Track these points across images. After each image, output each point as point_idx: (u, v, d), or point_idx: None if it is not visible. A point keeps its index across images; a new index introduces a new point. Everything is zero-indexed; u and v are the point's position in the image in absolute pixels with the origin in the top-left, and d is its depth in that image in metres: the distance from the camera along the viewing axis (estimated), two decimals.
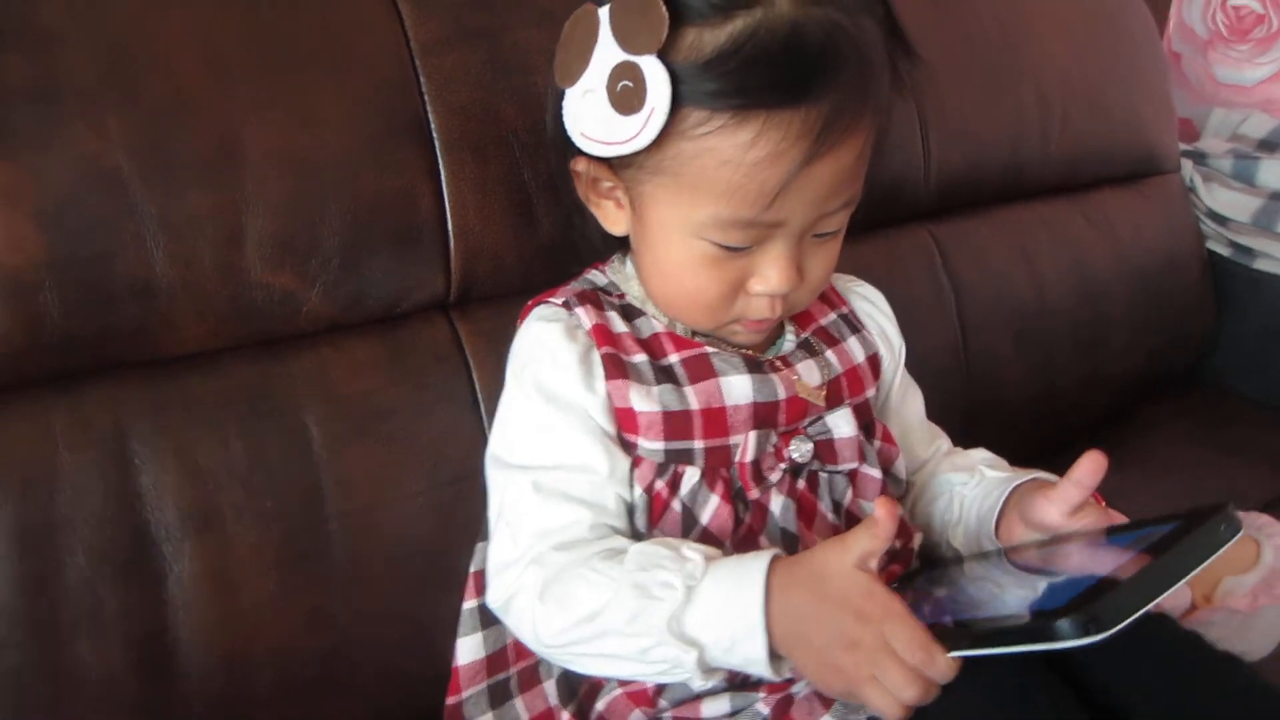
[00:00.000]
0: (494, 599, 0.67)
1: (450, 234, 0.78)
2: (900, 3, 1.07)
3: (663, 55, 0.60)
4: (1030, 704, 0.56)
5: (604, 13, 0.62)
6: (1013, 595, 0.61)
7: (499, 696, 0.74)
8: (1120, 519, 0.67)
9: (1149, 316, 1.28)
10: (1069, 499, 0.64)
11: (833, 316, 0.79)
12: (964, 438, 1.06)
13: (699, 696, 0.66)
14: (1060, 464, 0.98)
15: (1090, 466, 0.63)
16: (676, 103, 0.60)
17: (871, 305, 0.83)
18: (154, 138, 0.67)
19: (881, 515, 0.56)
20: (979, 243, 1.14)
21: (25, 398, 0.66)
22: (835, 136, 0.61)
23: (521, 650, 0.74)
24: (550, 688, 0.74)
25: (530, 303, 0.73)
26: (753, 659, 0.58)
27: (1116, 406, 1.28)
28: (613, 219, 0.71)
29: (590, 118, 0.63)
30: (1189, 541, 0.56)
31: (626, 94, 0.61)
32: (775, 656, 0.58)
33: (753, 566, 0.58)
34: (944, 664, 0.53)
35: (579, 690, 0.71)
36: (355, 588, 0.74)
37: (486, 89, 0.79)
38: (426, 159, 0.77)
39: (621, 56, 0.61)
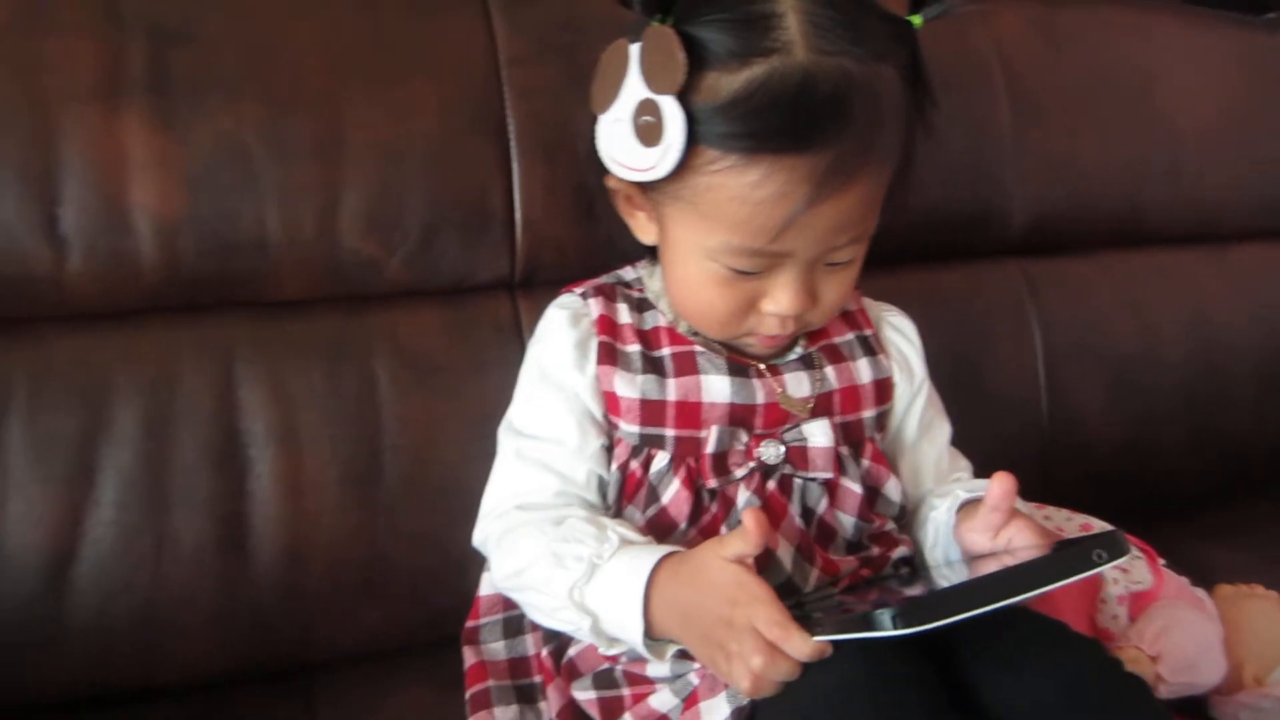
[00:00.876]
0: (475, 539, 0.78)
1: (518, 224, 0.91)
2: (1012, 38, 1.10)
3: (682, 96, 0.64)
4: (890, 679, 0.60)
5: (634, 49, 0.67)
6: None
7: (513, 629, 0.83)
8: (1060, 535, 0.68)
9: None
10: (991, 524, 0.67)
11: (849, 336, 0.82)
12: (1039, 475, 1.07)
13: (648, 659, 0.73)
14: (1162, 530, 0.96)
15: (999, 490, 0.66)
16: (693, 140, 0.65)
17: (899, 335, 0.85)
18: (278, 122, 0.84)
19: (749, 525, 0.61)
20: (1078, 283, 1.12)
21: (163, 320, 0.84)
22: (838, 182, 0.64)
23: None
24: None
25: (564, 289, 0.82)
26: (635, 641, 0.66)
27: (1240, 477, 1.20)
28: (644, 230, 0.77)
29: (618, 144, 0.69)
30: (1057, 559, 0.59)
31: (648, 128, 0.66)
32: (658, 641, 0.66)
33: (645, 561, 0.66)
34: (798, 641, 0.58)
35: (560, 635, 0.80)
36: (398, 512, 0.87)
37: (561, 99, 0.90)
38: (502, 157, 0.89)
39: (645, 93, 0.66)
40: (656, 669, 0.72)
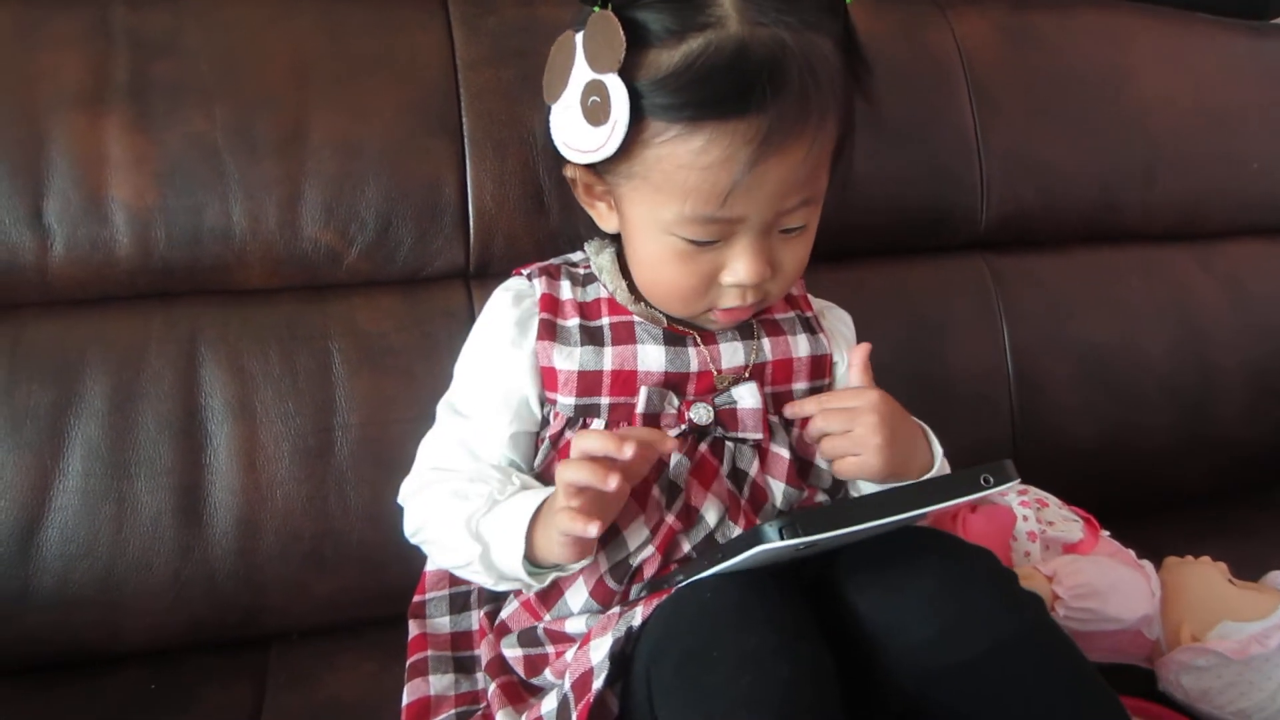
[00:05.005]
0: (400, 497, 0.82)
1: (470, 216, 0.95)
2: (975, 38, 1.12)
3: (625, 73, 0.68)
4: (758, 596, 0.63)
5: (579, 37, 0.71)
6: None
7: (459, 605, 0.86)
8: None
9: None
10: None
11: (790, 315, 0.84)
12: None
13: (567, 616, 0.76)
14: (1138, 525, 0.93)
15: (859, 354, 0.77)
16: (638, 115, 0.68)
17: (840, 322, 0.88)
18: (245, 123, 0.91)
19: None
20: (1050, 278, 1.12)
21: (135, 303, 0.91)
22: (778, 141, 0.67)
23: None
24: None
25: (514, 272, 0.85)
26: (514, 561, 0.70)
27: (1233, 477, 1.16)
28: (605, 219, 0.80)
29: (569, 129, 0.72)
30: (944, 481, 0.60)
31: (595, 108, 0.70)
32: (540, 569, 0.72)
33: (537, 495, 0.72)
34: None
35: (498, 599, 0.83)
36: (347, 486, 0.91)
37: (514, 99, 0.95)
38: (456, 154, 0.95)
39: (590, 75, 0.69)
40: (575, 625, 0.75)
